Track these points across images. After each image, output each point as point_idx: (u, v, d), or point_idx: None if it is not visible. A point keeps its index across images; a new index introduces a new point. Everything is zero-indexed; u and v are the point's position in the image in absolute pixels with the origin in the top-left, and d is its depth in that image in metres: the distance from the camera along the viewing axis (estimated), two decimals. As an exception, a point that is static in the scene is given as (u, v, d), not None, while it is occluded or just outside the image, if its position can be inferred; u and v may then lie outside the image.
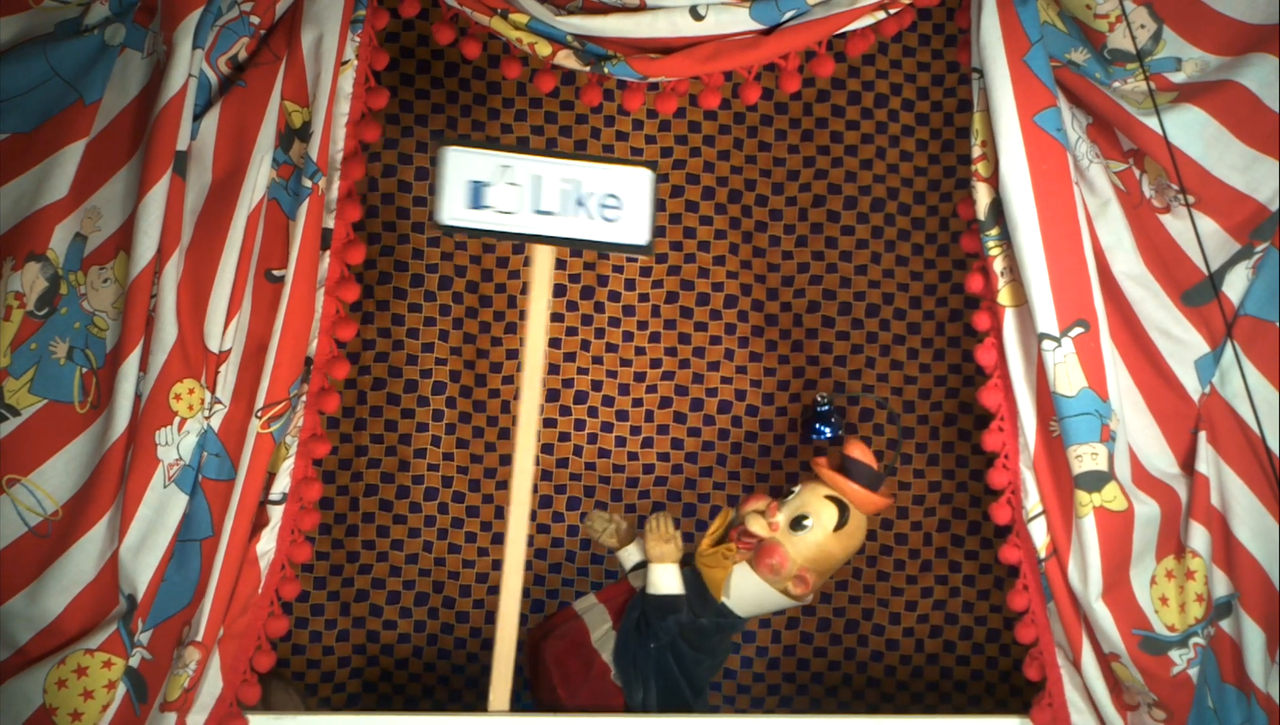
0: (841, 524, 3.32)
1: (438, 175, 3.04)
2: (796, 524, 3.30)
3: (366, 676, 3.97)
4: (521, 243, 3.25)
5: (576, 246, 3.15)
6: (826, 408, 3.41)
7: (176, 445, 2.95)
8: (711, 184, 4.06)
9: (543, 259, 3.13)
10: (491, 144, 3.21)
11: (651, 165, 3.11)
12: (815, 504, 3.31)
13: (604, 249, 3.19)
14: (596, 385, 4.03)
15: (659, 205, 3.80)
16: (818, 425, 3.41)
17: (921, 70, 4.02)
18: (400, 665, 3.97)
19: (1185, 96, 3.02)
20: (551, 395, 4.01)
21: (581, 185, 3.06)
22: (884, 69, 4.02)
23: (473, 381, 4.03)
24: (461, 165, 3.04)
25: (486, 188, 3.05)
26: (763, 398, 4.06)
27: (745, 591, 3.32)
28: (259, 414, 3.01)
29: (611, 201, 3.06)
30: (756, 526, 3.30)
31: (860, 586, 4.02)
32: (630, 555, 3.45)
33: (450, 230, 3.08)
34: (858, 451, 3.34)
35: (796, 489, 3.35)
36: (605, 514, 3.47)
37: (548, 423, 4.02)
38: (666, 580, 3.30)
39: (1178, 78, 3.05)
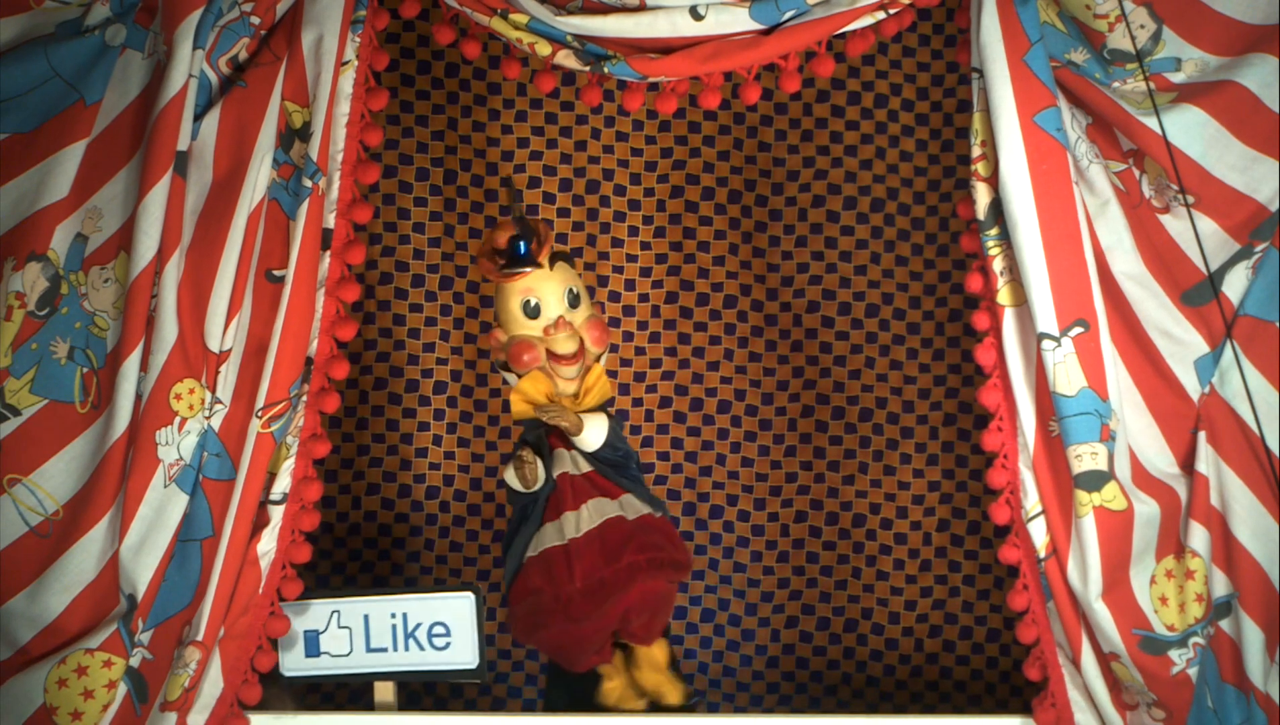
0: (569, 260, 3.40)
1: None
2: (574, 302, 3.32)
3: (367, 675, 3.97)
4: (360, 683, 3.35)
5: (412, 679, 3.27)
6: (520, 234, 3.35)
7: (177, 445, 2.95)
8: (711, 184, 4.06)
9: (384, 693, 3.27)
10: (317, 591, 3.28)
11: (474, 589, 3.20)
12: (556, 279, 3.31)
13: (437, 678, 3.28)
14: (597, 385, 4.02)
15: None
16: (522, 248, 3.32)
17: (921, 70, 4.02)
18: (401, 664, 3.97)
19: (1185, 96, 3.01)
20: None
21: (408, 617, 3.18)
22: (884, 69, 4.02)
23: (474, 381, 4.04)
24: (294, 618, 3.15)
25: (320, 635, 3.19)
26: (762, 398, 4.07)
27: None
28: (259, 414, 3.01)
29: (439, 630, 3.18)
30: (564, 346, 3.29)
31: (859, 586, 4.03)
32: (543, 474, 3.32)
33: (294, 682, 3.24)
34: (503, 235, 3.32)
35: (530, 302, 3.29)
36: (528, 455, 3.32)
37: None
38: (595, 431, 3.28)
39: (1177, 78, 3.05)
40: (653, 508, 3.33)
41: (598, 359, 3.35)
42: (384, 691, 3.27)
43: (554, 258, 3.33)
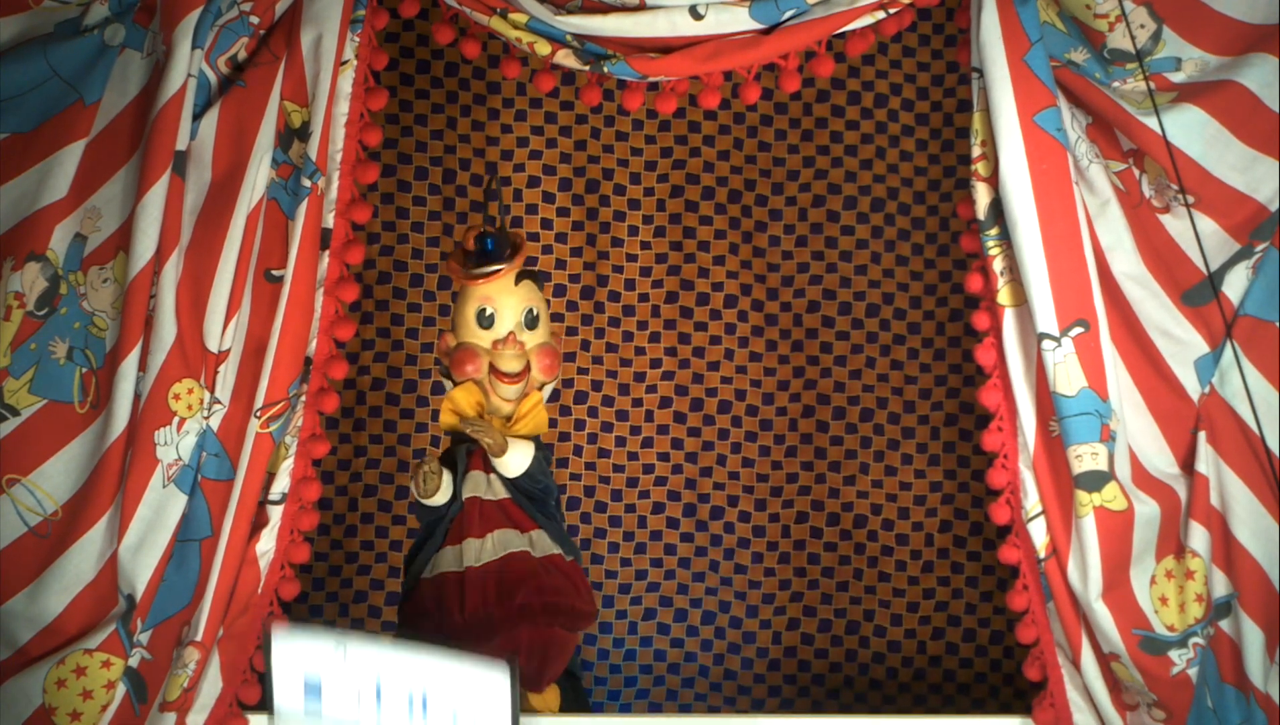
0: (537, 280, 3.30)
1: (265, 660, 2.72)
2: (531, 323, 3.24)
3: (366, 677, 3.96)
4: None
5: None
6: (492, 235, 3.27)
7: (176, 445, 2.95)
8: (711, 184, 4.06)
9: None
10: (321, 630, 2.85)
11: (510, 661, 2.70)
12: (518, 295, 3.23)
13: None
14: (596, 385, 4.03)
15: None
16: (489, 247, 3.25)
17: (921, 70, 4.01)
18: (399, 666, 3.97)
19: (1185, 96, 3.01)
20: (551, 395, 4.00)
21: (428, 689, 2.63)
22: (884, 69, 4.02)
23: (472, 382, 4.03)
24: (291, 654, 2.67)
25: (323, 683, 2.65)
26: (763, 398, 4.06)
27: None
28: (258, 414, 3.01)
29: (465, 711, 2.62)
30: (508, 363, 3.21)
31: (861, 588, 4.02)
32: (447, 491, 3.22)
33: None
34: (471, 239, 3.27)
35: (486, 311, 3.21)
36: (431, 466, 3.20)
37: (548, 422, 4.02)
38: (518, 457, 3.19)
39: (1177, 78, 3.04)
40: (564, 549, 3.23)
41: (540, 388, 3.27)
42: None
43: (522, 275, 3.27)
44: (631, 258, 4.04)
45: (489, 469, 3.20)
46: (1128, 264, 3.03)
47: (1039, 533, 3.02)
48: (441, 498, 3.18)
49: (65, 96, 3.01)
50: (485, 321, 3.23)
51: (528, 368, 3.23)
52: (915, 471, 4.03)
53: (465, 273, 3.25)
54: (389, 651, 2.65)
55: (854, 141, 4.04)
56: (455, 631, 3.11)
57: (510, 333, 3.22)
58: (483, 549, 3.16)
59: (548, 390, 3.31)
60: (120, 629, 2.91)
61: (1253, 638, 2.98)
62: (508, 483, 3.20)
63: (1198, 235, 2.99)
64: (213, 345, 3.01)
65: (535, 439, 3.25)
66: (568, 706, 3.26)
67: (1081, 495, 2.93)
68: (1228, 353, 3.01)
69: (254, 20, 3.06)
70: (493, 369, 3.21)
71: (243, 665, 3.05)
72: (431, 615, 3.16)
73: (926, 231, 4.03)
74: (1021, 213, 2.95)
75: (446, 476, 3.19)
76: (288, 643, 2.67)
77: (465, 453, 3.22)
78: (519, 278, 3.26)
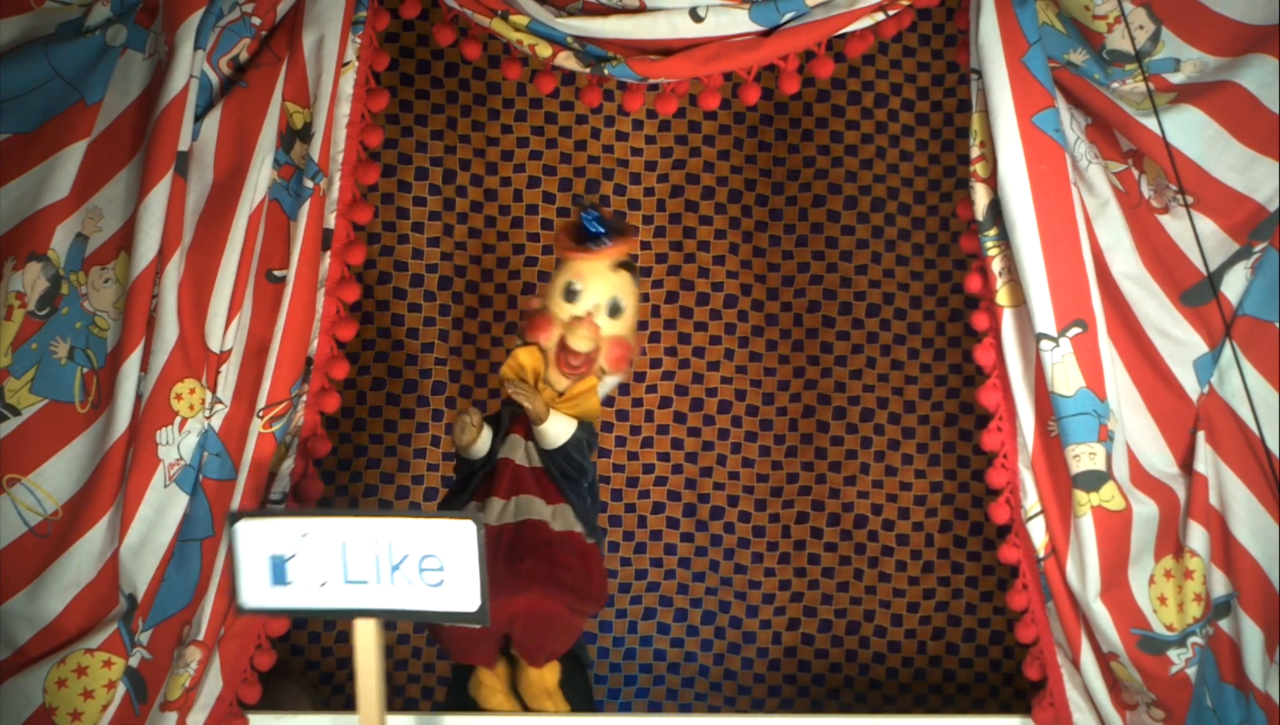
0: (635, 275, 3.29)
1: (232, 553, 2.64)
2: (614, 311, 3.24)
3: (367, 677, 3.96)
4: (337, 619, 2.79)
5: (400, 619, 2.67)
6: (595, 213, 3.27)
7: (177, 445, 2.96)
8: (711, 184, 4.06)
9: (365, 635, 2.63)
10: (285, 510, 2.84)
11: (475, 517, 2.58)
12: (609, 281, 3.22)
13: (431, 619, 2.64)
14: (597, 385, 4.02)
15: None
16: (591, 226, 3.24)
17: (921, 70, 4.02)
18: (400, 666, 3.97)
19: (1184, 97, 3.01)
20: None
21: (393, 545, 2.58)
22: (884, 69, 4.02)
23: (472, 381, 4.03)
24: (255, 538, 2.61)
25: (288, 561, 2.61)
26: (763, 398, 4.06)
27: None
28: (260, 414, 3.01)
29: (431, 563, 2.58)
30: (578, 342, 3.20)
31: (862, 588, 4.02)
32: (483, 446, 3.24)
33: (255, 613, 2.70)
34: (581, 212, 3.27)
35: (574, 286, 3.20)
36: (471, 418, 3.22)
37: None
38: (558, 428, 3.19)
39: (1176, 78, 3.05)
40: (587, 530, 3.22)
41: (602, 377, 3.26)
42: (364, 631, 2.64)
43: (623, 265, 3.27)
44: (631, 257, 4.04)
45: (528, 436, 3.22)
46: (1126, 264, 3.03)
47: (1038, 532, 3.02)
48: (478, 452, 3.20)
49: (67, 97, 3.02)
50: (570, 295, 3.23)
51: (596, 353, 3.22)
52: (915, 471, 4.03)
53: (569, 243, 3.25)
54: (352, 520, 2.62)
55: (854, 141, 4.04)
56: None
57: (589, 313, 3.22)
58: (504, 510, 3.17)
59: (610, 381, 3.29)
60: (121, 629, 2.91)
61: (1252, 637, 2.98)
62: (543, 454, 3.21)
63: (1197, 235, 2.99)
64: (214, 345, 3.01)
65: (582, 421, 3.24)
66: (567, 689, 3.26)
67: (1079, 495, 2.93)
68: (1227, 353, 3.02)
69: (256, 21, 3.06)
70: (562, 343, 3.21)
71: (243, 665, 3.05)
72: None
73: (927, 231, 4.03)
74: (1020, 213, 2.95)
75: (486, 433, 3.20)
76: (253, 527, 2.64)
77: (509, 415, 3.24)
78: (618, 266, 3.26)
